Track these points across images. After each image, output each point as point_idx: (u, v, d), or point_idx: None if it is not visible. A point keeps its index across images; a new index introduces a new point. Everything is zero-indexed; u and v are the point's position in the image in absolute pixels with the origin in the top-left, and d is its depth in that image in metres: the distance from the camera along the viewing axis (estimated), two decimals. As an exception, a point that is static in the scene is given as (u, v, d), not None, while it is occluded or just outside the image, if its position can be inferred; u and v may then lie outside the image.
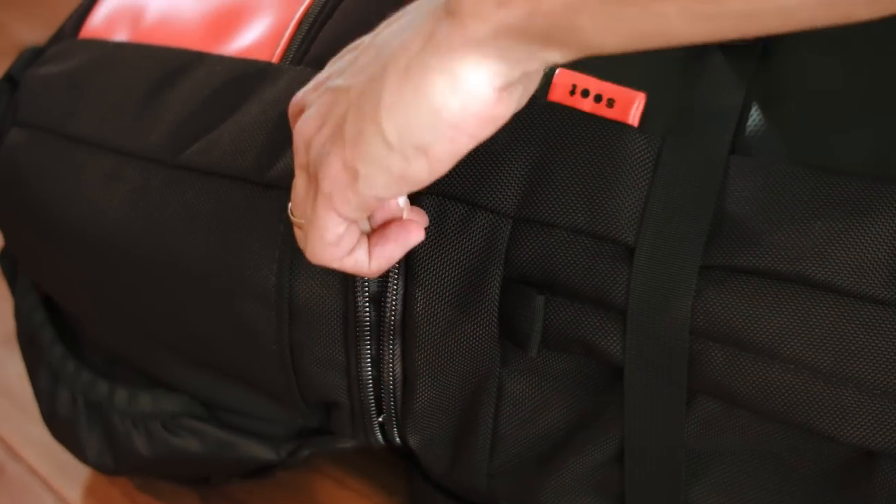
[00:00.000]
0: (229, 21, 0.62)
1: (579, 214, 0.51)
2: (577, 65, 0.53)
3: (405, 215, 0.52)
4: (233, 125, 0.59)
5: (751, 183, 0.49)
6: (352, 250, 0.50)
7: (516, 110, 0.45)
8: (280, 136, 0.57)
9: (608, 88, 0.52)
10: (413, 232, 0.51)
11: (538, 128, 0.52)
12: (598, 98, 0.52)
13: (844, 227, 0.48)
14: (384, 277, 0.56)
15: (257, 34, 0.61)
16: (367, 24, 0.58)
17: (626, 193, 0.51)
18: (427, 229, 0.54)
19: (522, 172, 0.52)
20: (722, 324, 0.49)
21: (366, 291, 0.56)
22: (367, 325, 0.57)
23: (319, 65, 0.57)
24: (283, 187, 0.57)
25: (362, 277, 0.56)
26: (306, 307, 0.58)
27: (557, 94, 0.52)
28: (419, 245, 0.55)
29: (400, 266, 0.56)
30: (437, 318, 0.56)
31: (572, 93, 0.52)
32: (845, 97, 0.50)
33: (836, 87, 0.50)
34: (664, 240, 0.50)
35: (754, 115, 0.51)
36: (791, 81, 0.51)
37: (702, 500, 0.55)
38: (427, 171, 0.45)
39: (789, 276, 0.48)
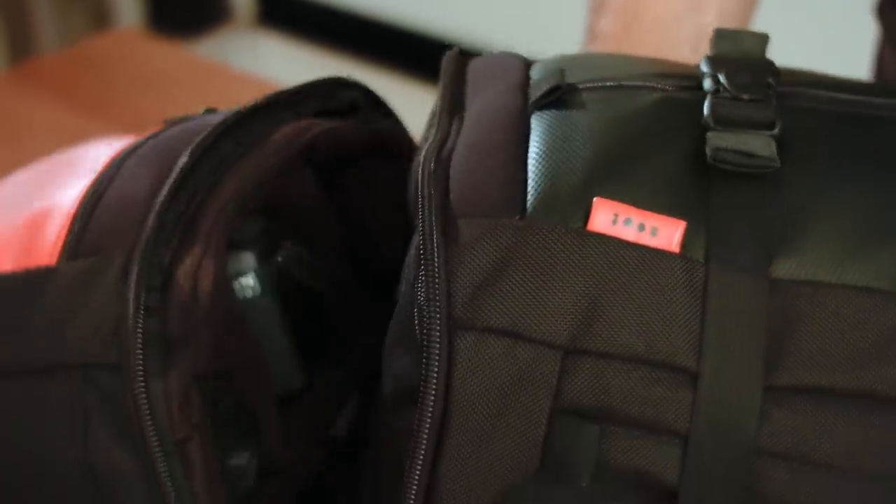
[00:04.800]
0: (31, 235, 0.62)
1: (637, 344, 0.51)
2: (614, 193, 0.53)
3: None
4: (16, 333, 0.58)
5: (797, 301, 0.51)
6: None
7: None
8: (75, 324, 0.56)
9: (650, 217, 0.52)
10: None
11: (584, 258, 0.52)
12: (641, 227, 0.52)
13: None
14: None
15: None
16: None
17: (681, 321, 0.51)
18: (462, 364, 0.52)
19: (572, 303, 0.52)
20: (786, 441, 0.51)
21: None
22: None
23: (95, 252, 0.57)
24: (66, 366, 0.56)
25: None
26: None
27: (599, 223, 0.52)
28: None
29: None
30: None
31: (614, 222, 0.53)
32: (862, 219, 0.53)
33: (853, 209, 0.53)
34: (725, 364, 0.51)
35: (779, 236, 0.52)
36: (807, 205, 0.53)
37: None
38: None
39: (852, 391, 0.50)
